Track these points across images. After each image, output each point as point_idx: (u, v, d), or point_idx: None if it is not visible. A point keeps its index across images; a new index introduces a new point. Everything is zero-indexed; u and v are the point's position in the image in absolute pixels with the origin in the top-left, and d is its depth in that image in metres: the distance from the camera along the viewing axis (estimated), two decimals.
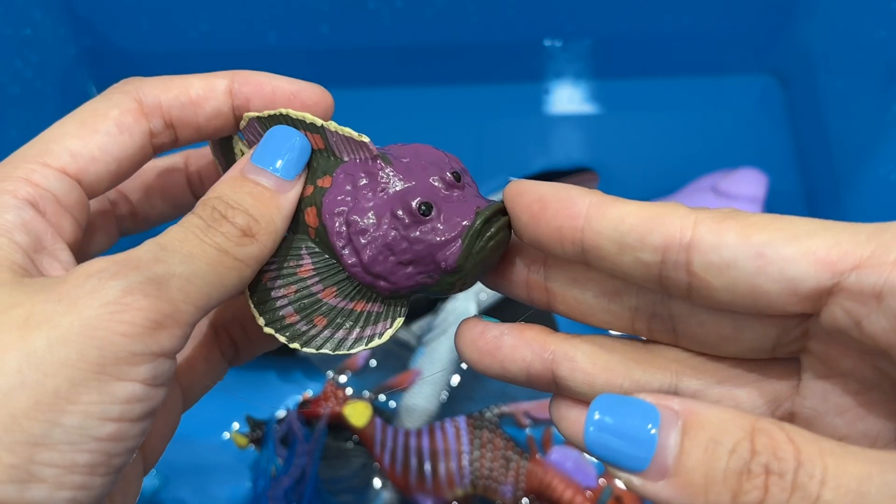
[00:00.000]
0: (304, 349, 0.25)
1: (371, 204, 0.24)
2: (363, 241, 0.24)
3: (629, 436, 0.18)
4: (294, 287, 0.25)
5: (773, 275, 0.19)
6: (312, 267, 0.25)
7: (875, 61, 0.56)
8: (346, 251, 0.24)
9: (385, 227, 0.24)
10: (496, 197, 0.26)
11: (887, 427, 0.21)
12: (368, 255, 0.24)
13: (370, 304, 0.25)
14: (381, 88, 0.65)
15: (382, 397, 0.54)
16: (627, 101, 0.66)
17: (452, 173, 0.24)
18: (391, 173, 0.24)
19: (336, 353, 0.25)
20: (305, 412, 0.51)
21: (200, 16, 0.60)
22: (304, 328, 0.25)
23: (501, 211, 0.24)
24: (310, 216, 0.25)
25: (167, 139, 0.26)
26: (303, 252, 0.25)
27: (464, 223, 0.23)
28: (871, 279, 0.18)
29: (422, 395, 0.53)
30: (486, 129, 0.65)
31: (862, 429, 0.21)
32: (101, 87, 0.64)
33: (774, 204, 0.61)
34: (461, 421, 0.51)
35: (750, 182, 0.57)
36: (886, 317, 0.18)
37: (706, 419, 0.18)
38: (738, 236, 0.19)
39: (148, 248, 0.22)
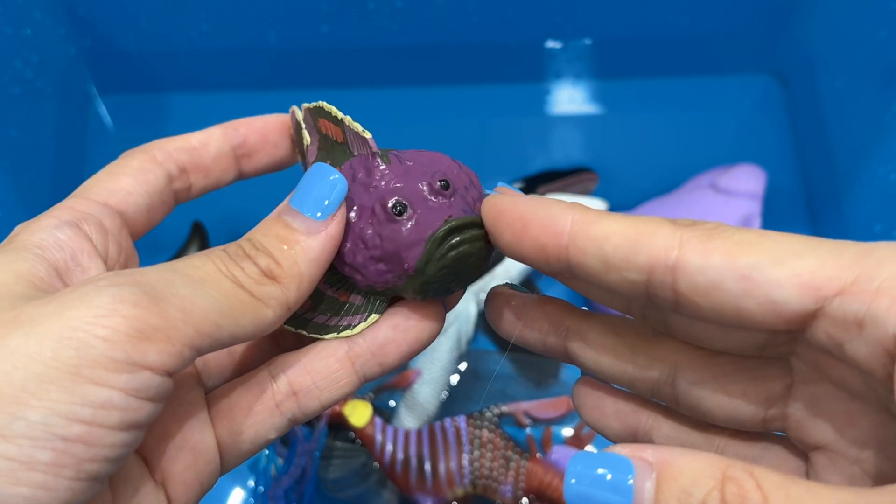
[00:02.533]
0: (286, 326, 0.25)
1: (359, 199, 0.25)
2: (344, 232, 0.25)
3: (606, 490, 0.18)
4: None
5: (758, 298, 0.19)
6: None
7: (875, 61, 0.56)
8: None
9: (364, 221, 0.24)
10: None
11: (874, 436, 0.21)
12: (346, 247, 0.25)
13: (352, 295, 0.26)
14: (381, 88, 0.65)
15: (383, 397, 0.54)
16: (627, 101, 0.66)
17: (442, 181, 0.24)
18: (386, 172, 0.25)
19: (312, 335, 0.25)
20: None
21: (200, 16, 0.60)
22: None
23: (473, 224, 0.23)
24: None
25: (183, 185, 0.28)
26: None
27: (431, 228, 0.23)
28: (853, 307, 0.18)
29: (422, 395, 0.53)
30: (486, 129, 0.65)
31: (851, 436, 0.21)
32: (101, 87, 0.65)
33: (774, 203, 0.61)
34: (461, 421, 0.51)
35: (749, 178, 0.57)
36: (867, 344, 0.18)
37: (678, 470, 0.18)
38: (724, 258, 0.19)
39: (159, 267, 0.22)
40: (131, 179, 0.27)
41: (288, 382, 0.25)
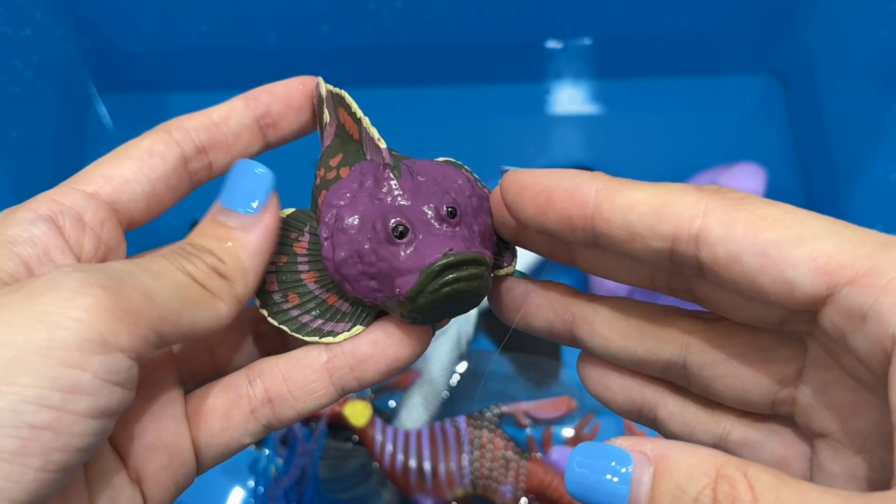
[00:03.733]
0: (269, 319, 0.25)
1: (363, 208, 0.24)
2: (342, 239, 0.24)
3: (605, 481, 0.19)
4: (285, 258, 0.26)
5: (773, 275, 0.19)
6: (307, 246, 0.26)
7: (875, 61, 0.56)
8: (326, 243, 0.25)
9: (364, 234, 0.24)
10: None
11: (878, 428, 0.21)
12: (340, 256, 0.24)
13: (341, 301, 0.25)
14: (381, 88, 0.65)
15: (383, 397, 0.54)
16: (627, 101, 0.66)
17: (449, 207, 0.23)
18: (395, 186, 0.24)
19: (293, 334, 0.25)
20: None
21: (200, 16, 0.60)
22: (278, 299, 0.26)
23: (473, 261, 0.23)
24: (320, 200, 0.26)
25: (202, 164, 0.27)
26: (306, 229, 0.26)
27: (429, 259, 0.23)
28: (859, 299, 0.18)
29: (422, 395, 0.53)
30: (486, 129, 0.65)
31: (855, 426, 0.21)
32: (101, 87, 0.65)
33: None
34: (461, 421, 0.51)
35: (749, 177, 0.57)
36: (868, 339, 0.18)
37: (674, 465, 0.18)
38: (746, 231, 0.19)
39: (121, 260, 0.22)
40: (135, 164, 0.26)
41: (264, 389, 0.25)
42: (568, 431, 0.54)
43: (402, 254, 0.23)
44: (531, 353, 0.56)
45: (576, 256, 0.25)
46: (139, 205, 0.26)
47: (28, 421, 0.18)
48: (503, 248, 0.27)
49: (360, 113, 0.25)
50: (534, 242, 0.26)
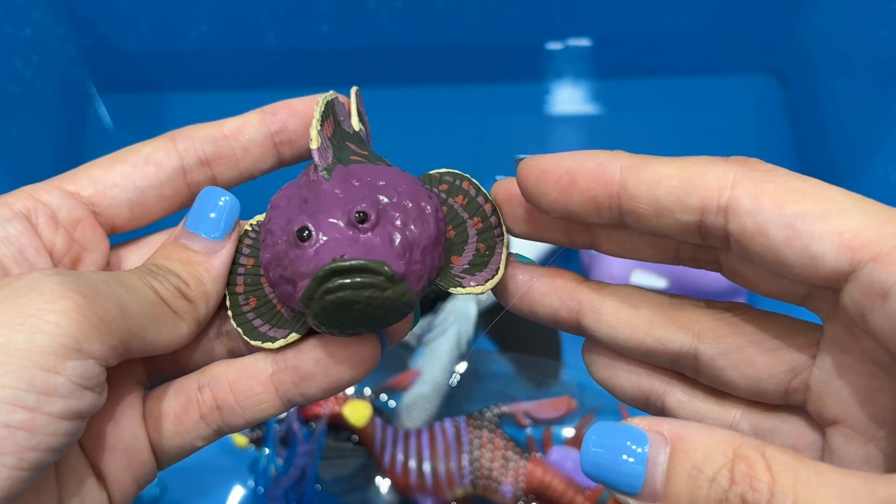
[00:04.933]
0: (231, 320, 0.26)
1: (289, 210, 0.24)
2: (268, 241, 0.24)
3: (621, 461, 0.19)
4: (253, 261, 0.26)
5: (798, 248, 0.19)
6: None
7: (875, 61, 0.56)
8: (262, 246, 0.25)
9: (282, 237, 0.23)
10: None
11: (893, 415, 0.21)
12: (266, 258, 0.24)
13: (285, 307, 0.25)
14: (382, 88, 0.65)
15: (383, 397, 0.54)
16: (627, 101, 0.66)
17: (360, 213, 0.22)
18: (319, 190, 0.23)
19: (243, 336, 0.25)
20: (305, 412, 0.51)
21: (200, 16, 0.60)
22: (241, 301, 0.26)
23: (364, 269, 0.21)
24: None
25: (204, 177, 0.27)
26: None
27: (320, 264, 0.22)
28: (882, 276, 0.18)
29: (422, 395, 0.53)
30: (486, 129, 0.65)
31: (868, 412, 0.21)
32: (101, 87, 0.65)
33: None
34: (461, 421, 0.51)
35: None
36: (888, 317, 0.18)
37: (691, 445, 0.18)
38: (773, 203, 0.19)
39: (96, 271, 0.23)
40: (126, 170, 0.26)
41: (213, 397, 0.25)
42: (568, 431, 0.54)
43: (304, 257, 0.22)
44: (531, 353, 0.56)
45: (597, 239, 0.25)
46: (122, 210, 0.26)
47: (3, 420, 0.19)
48: (479, 266, 0.25)
49: (316, 113, 0.24)
50: (549, 233, 0.25)
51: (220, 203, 0.25)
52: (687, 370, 0.24)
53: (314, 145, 0.23)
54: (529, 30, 0.63)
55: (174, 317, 0.24)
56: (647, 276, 0.53)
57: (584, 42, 0.64)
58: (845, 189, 0.20)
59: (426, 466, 0.50)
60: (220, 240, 0.25)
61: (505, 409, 0.53)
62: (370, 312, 0.22)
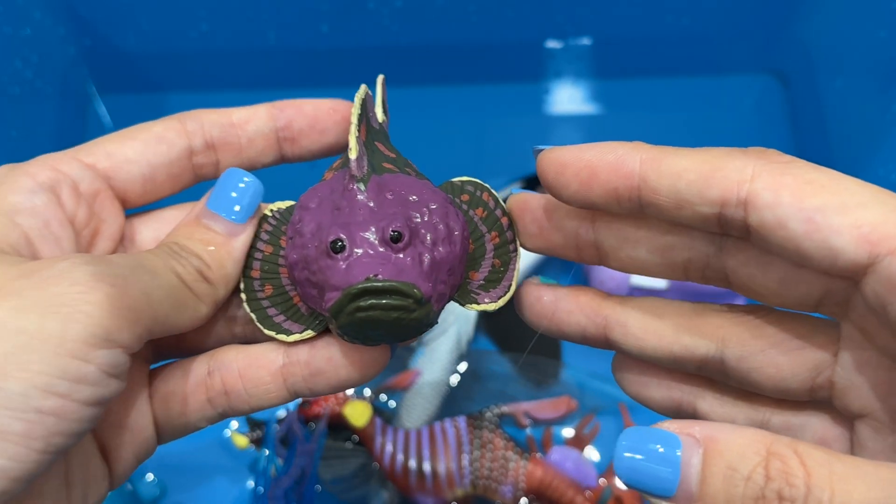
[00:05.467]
0: (245, 304, 0.26)
1: (321, 215, 0.24)
2: (297, 242, 0.24)
3: (655, 465, 0.19)
4: (272, 248, 0.26)
5: (817, 241, 0.19)
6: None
7: (875, 61, 0.56)
8: (288, 242, 0.25)
9: (313, 242, 0.24)
10: (503, 193, 0.26)
11: None
12: (293, 258, 0.24)
13: (302, 303, 0.25)
14: None
15: (383, 397, 0.54)
16: (627, 101, 0.66)
17: (395, 231, 0.23)
18: (353, 200, 0.24)
19: (258, 324, 0.25)
20: (305, 412, 0.51)
21: (200, 16, 0.60)
22: (257, 287, 0.26)
23: (396, 292, 0.22)
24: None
25: (208, 161, 0.27)
26: None
27: (352, 280, 0.22)
28: None
29: (422, 395, 0.53)
30: (486, 129, 0.65)
31: (893, 404, 0.21)
32: (101, 87, 0.65)
33: None
34: (461, 421, 0.51)
35: None
36: None
37: (725, 446, 0.18)
38: (793, 196, 0.20)
39: (122, 255, 0.23)
40: (139, 146, 0.26)
41: (222, 382, 0.25)
42: (568, 431, 0.54)
43: (336, 269, 0.23)
44: (531, 353, 0.56)
45: (606, 257, 0.25)
46: (135, 186, 0.26)
47: (35, 406, 0.19)
48: (493, 283, 0.26)
49: (354, 118, 0.25)
50: (559, 249, 0.26)
51: (243, 185, 0.25)
52: (715, 374, 0.24)
53: (353, 155, 0.24)
54: (529, 29, 0.63)
55: (195, 300, 0.24)
56: (647, 278, 0.53)
57: (584, 42, 0.64)
58: (862, 180, 0.20)
59: (426, 466, 0.50)
60: (242, 223, 0.25)
61: (505, 409, 0.53)
62: (394, 330, 0.23)
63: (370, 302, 0.22)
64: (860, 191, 0.19)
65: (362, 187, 0.24)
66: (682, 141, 0.72)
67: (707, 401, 0.25)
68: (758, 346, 0.23)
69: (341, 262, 0.23)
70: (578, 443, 0.53)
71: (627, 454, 0.19)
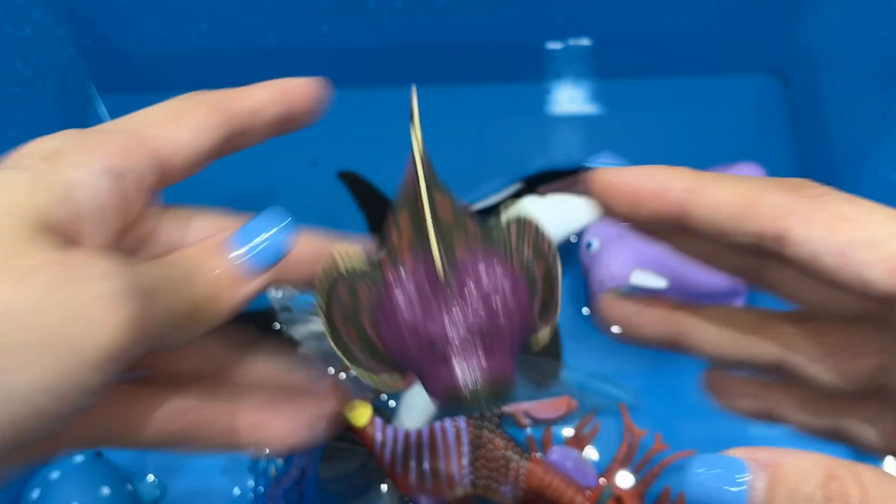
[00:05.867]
0: (327, 338, 0.26)
1: (409, 296, 0.25)
2: (388, 316, 0.25)
3: (724, 490, 0.20)
4: (367, 286, 0.26)
5: (850, 274, 0.21)
6: (367, 291, 0.26)
7: (875, 61, 0.56)
8: (380, 311, 0.25)
9: (410, 335, 0.25)
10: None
11: None
12: (385, 331, 0.25)
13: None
14: (381, 88, 0.65)
15: (383, 397, 0.54)
16: (627, 101, 0.66)
17: (484, 325, 0.24)
18: (441, 293, 0.25)
19: (326, 360, 0.27)
20: None
21: (200, 16, 0.60)
22: (342, 331, 0.27)
23: (494, 393, 0.24)
24: (385, 265, 0.26)
25: (231, 147, 0.27)
26: (369, 274, 0.26)
27: (452, 383, 0.24)
28: None
29: (422, 395, 0.53)
30: (486, 129, 0.65)
31: None
32: (101, 86, 0.64)
33: None
34: (461, 421, 0.51)
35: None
36: None
37: (788, 469, 0.20)
38: (825, 233, 0.21)
39: (151, 265, 0.23)
40: (189, 134, 0.25)
41: None
42: (568, 431, 0.54)
43: (432, 362, 0.24)
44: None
45: (680, 237, 0.27)
46: (176, 176, 0.26)
47: (39, 405, 0.19)
48: (545, 312, 0.27)
49: (423, 193, 0.26)
50: (643, 225, 0.27)
51: (276, 230, 0.25)
52: (786, 377, 0.26)
53: (437, 263, 0.24)
54: (529, 29, 0.63)
55: (196, 325, 0.24)
56: (647, 277, 0.53)
57: (584, 42, 0.64)
58: (893, 210, 0.21)
59: (426, 466, 0.49)
60: (261, 271, 0.25)
61: (505, 409, 0.53)
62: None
63: (474, 403, 0.24)
64: (889, 224, 0.21)
65: (448, 281, 0.25)
66: (682, 141, 0.72)
67: (791, 404, 0.27)
68: (820, 352, 0.25)
69: (445, 368, 0.24)
70: (578, 443, 0.53)
71: (699, 479, 0.21)
